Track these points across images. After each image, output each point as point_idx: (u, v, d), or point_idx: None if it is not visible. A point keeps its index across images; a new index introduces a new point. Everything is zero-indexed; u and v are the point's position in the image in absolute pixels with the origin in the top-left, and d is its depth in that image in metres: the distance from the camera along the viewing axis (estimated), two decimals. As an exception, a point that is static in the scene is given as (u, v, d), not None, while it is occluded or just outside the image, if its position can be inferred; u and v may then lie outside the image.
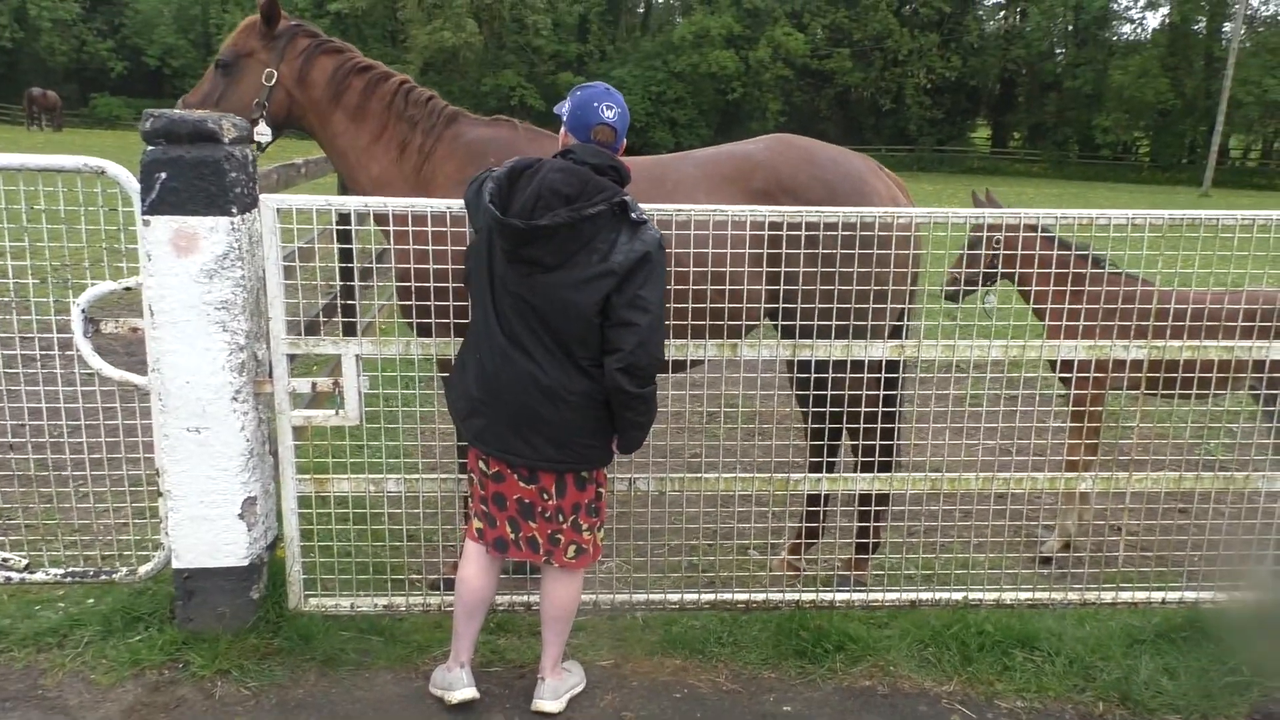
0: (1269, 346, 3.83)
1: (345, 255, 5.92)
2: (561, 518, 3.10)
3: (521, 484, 3.08)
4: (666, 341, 3.58)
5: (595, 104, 3.05)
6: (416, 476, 3.80)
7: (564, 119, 3.10)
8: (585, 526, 3.16)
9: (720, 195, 3.86)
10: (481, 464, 3.15)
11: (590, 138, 3.04)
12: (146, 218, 3.28)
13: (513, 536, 3.15)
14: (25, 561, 3.71)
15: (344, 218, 5.31)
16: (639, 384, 2.91)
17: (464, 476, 3.78)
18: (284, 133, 4.21)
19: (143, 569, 3.69)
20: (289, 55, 4.02)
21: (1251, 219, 3.73)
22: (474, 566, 3.26)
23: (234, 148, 3.35)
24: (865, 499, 4.15)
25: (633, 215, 2.90)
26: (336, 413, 3.58)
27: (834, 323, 3.68)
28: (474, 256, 3.05)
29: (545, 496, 3.08)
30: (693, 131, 49.79)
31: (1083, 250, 4.54)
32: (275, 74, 4.00)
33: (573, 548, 3.15)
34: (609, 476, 3.48)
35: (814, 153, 3.99)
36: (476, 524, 3.24)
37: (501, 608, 3.78)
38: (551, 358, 2.92)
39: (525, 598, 3.79)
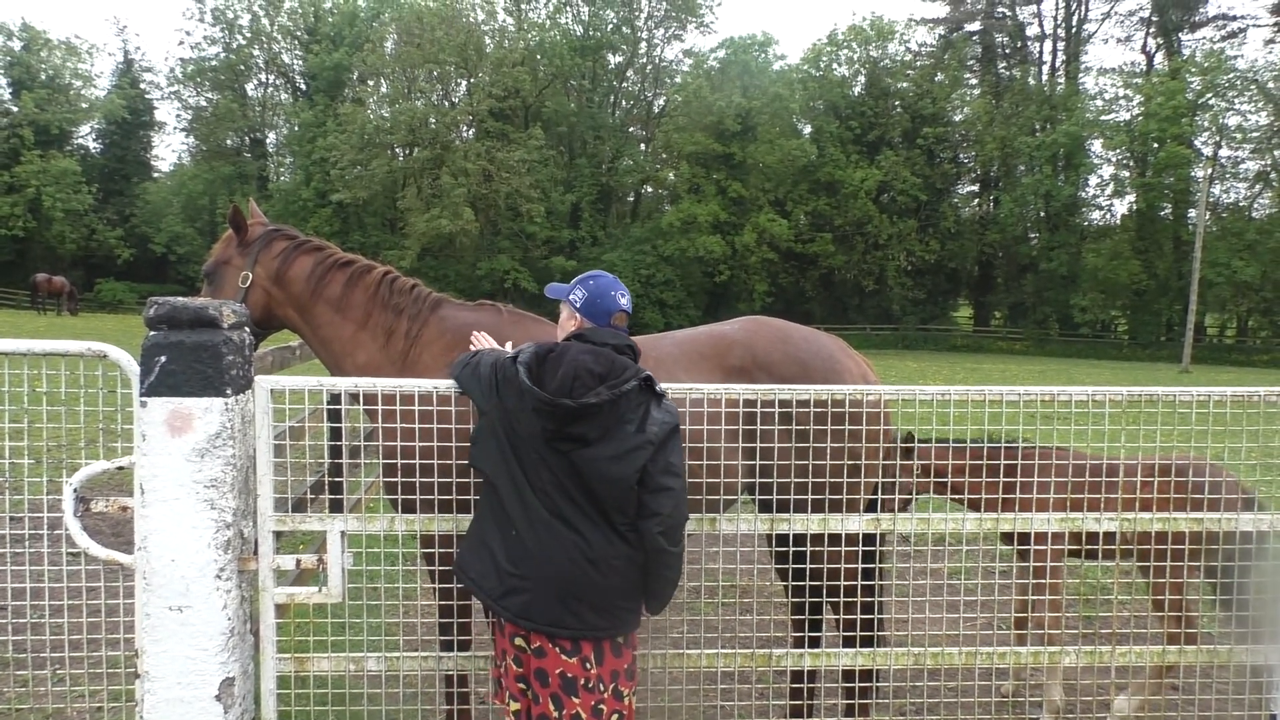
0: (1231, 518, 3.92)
1: (335, 434, 6.03)
2: (602, 687, 3.09)
3: (564, 657, 3.06)
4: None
5: (613, 292, 3.30)
6: (398, 655, 3.78)
7: (577, 305, 3.30)
8: (625, 693, 3.15)
9: (698, 372, 4.02)
10: (520, 640, 3.12)
11: (609, 323, 3.28)
12: (144, 399, 3.40)
13: (556, 715, 3.07)
14: (-6, 747, 3.63)
15: (335, 398, 5.46)
16: (675, 543, 3.07)
17: (453, 655, 3.77)
18: (268, 334, 4.42)
19: (114, 754, 3.62)
20: (264, 258, 4.30)
21: (1207, 395, 3.90)
22: None
23: (232, 332, 3.52)
24: (851, 675, 4.12)
25: (657, 389, 3.14)
26: (320, 590, 3.60)
27: (810, 496, 3.77)
28: (488, 438, 3.15)
29: (587, 666, 3.07)
30: (681, 312, 51.10)
31: (994, 442, 4.75)
32: (250, 276, 4.26)
33: (615, 717, 3.11)
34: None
35: (788, 332, 4.19)
36: (514, 705, 3.16)
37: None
38: (594, 527, 3.03)
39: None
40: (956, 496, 4.80)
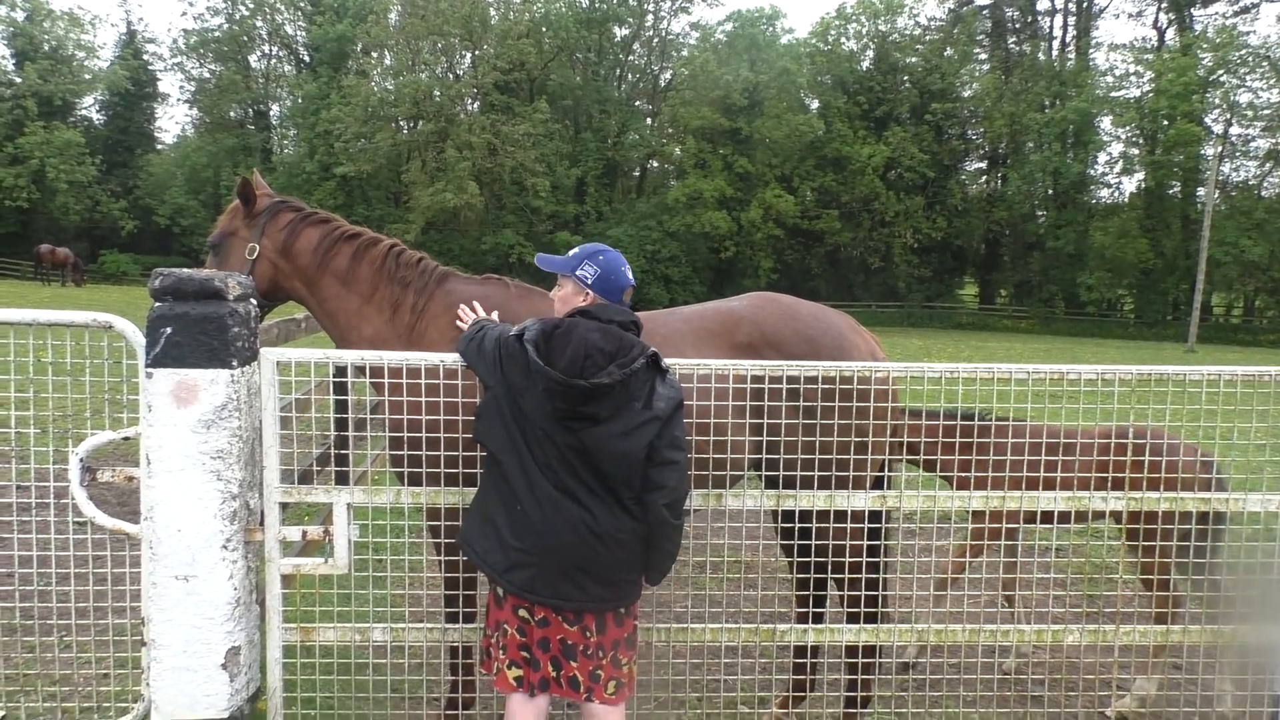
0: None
1: (340, 406, 6.03)
2: (602, 654, 3.15)
3: (567, 626, 3.13)
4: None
5: (622, 268, 3.35)
6: (403, 626, 3.79)
7: (588, 282, 3.30)
8: (624, 661, 3.21)
9: (706, 348, 4.00)
10: (524, 612, 3.16)
11: (622, 299, 3.32)
12: (149, 370, 3.39)
13: (554, 675, 3.16)
14: (3, 714, 3.66)
15: (341, 370, 5.45)
16: (678, 515, 3.14)
17: (457, 627, 3.78)
18: (274, 305, 4.40)
19: (121, 722, 3.64)
20: (270, 230, 4.25)
21: (1217, 374, 3.87)
22: None
23: (238, 304, 3.50)
24: (854, 651, 4.13)
25: (662, 365, 3.18)
26: (325, 561, 3.61)
27: (816, 473, 3.77)
28: (492, 415, 3.15)
29: (588, 634, 3.13)
30: (687, 288, 50.97)
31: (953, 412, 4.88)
32: (257, 248, 4.22)
33: (612, 683, 3.18)
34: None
35: (796, 309, 4.16)
36: (514, 672, 3.20)
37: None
38: (600, 502, 3.06)
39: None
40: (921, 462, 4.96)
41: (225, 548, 3.47)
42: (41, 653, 4.36)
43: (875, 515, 4.21)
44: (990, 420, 4.72)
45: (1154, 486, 4.20)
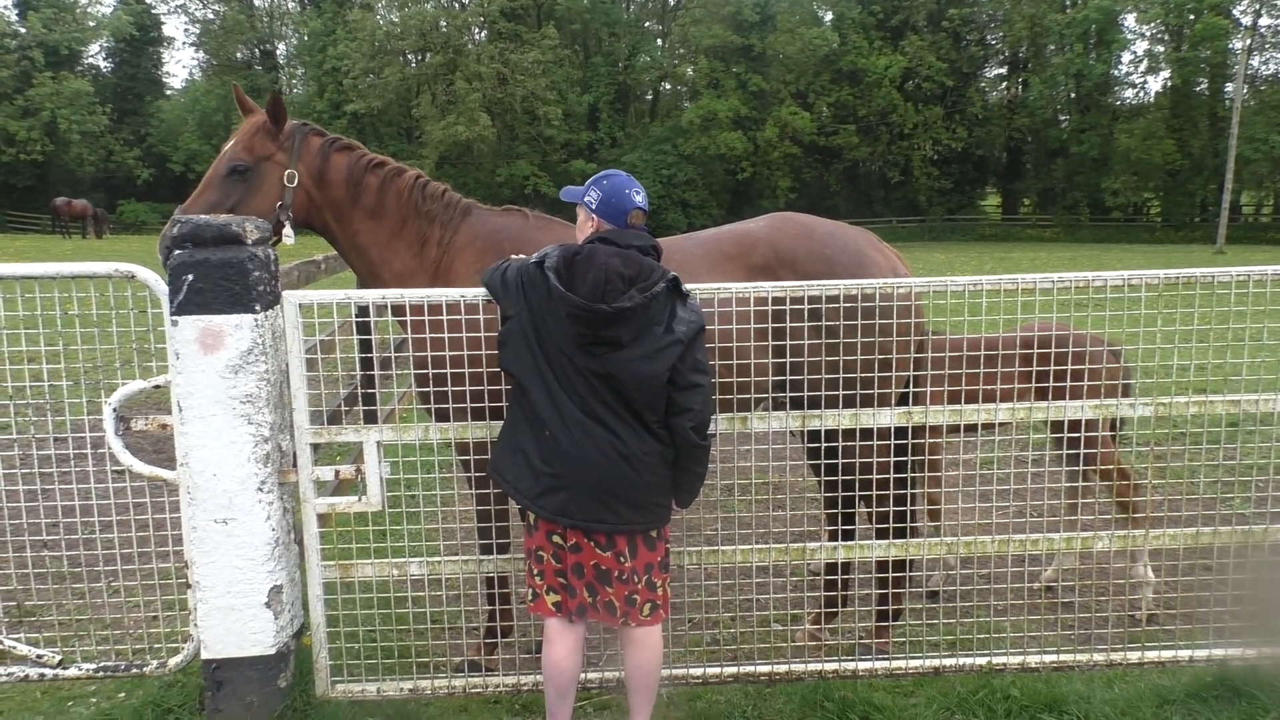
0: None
1: (365, 346, 6.07)
2: (636, 578, 3.21)
3: (599, 550, 3.18)
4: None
5: (627, 191, 3.27)
6: (438, 559, 3.86)
7: (592, 207, 3.28)
8: (658, 584, 3.28)
9: (722, 272, 3.97)
10: (557, 538, 3.21)
11: (627, 223, 3.26)
12: (174, 318, 3.42)
13: (590, 600, 3.22)
14: (58, 657, 3.78)
15: (363, 310, 5.46)
16: (704, 437, 3.18)
17: (492, 558, 3.85)
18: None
19: (173, 661, 3.75)
20: (305, 155, 4.03)
21: (1246, 274, 3.82)
22: (561, 647, 3.30)
23: (257, 248, 3.51)
24: (884, 566, 4.17)
25: (683, 289, 3.18)
26: (359, 499, 3.67)
27: (841, 392, 3.77)
28: (516, 342, 3.17)
29: (621, 559, 3.18)
30: (704, 212, 50.49)
31: None
32: (295, 175, 4.00)
33: (648, 605, 3.25)
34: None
35: (812, 228, 4.11)
36: (553, 598, 3.27)
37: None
38: (626, 426, 3.10)
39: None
40: None
41: (261, 490, 3.53)
42: (91, 598, 4.49)
43: (901, 431, 4.21)
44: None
45: (1075, 389, 4.18)
